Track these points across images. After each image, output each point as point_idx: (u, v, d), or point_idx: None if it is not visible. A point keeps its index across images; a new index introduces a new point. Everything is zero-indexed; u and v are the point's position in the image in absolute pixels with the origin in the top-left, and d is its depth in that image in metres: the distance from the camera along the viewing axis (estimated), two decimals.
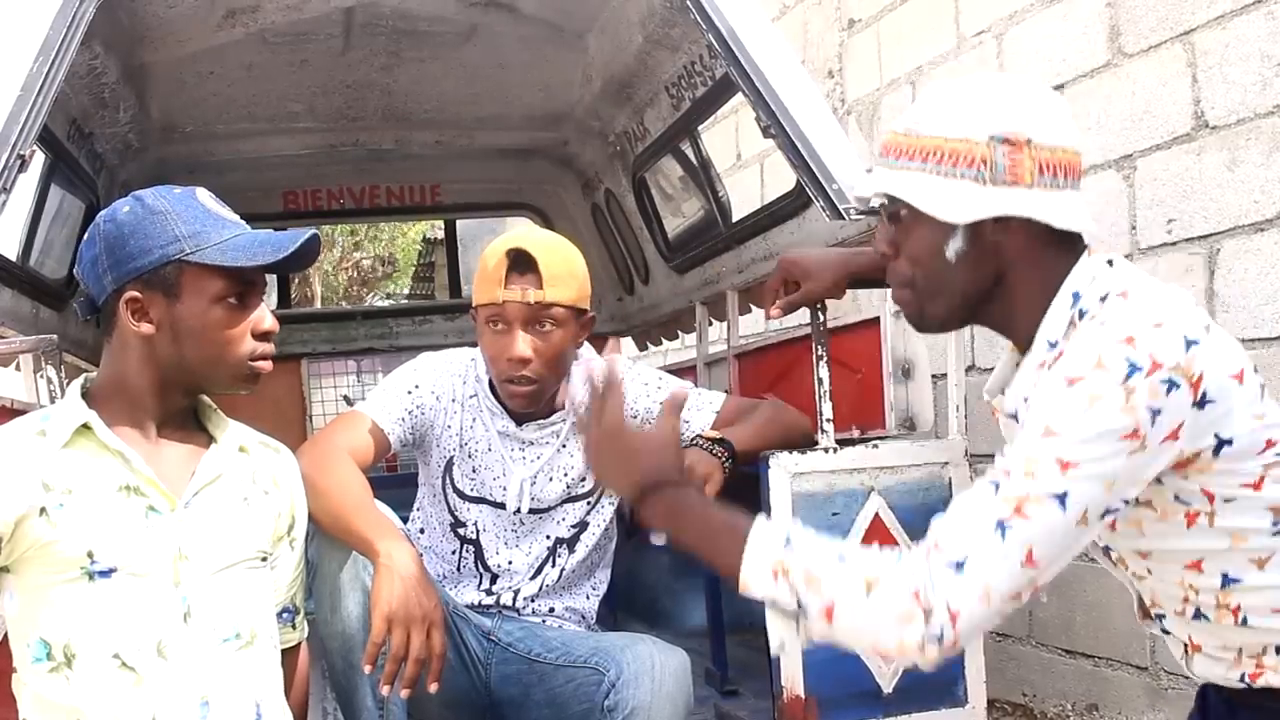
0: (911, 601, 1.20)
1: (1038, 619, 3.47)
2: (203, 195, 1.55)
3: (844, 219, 2.29)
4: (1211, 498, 1.26)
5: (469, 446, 2.16)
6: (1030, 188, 1.29)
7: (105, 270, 1.50)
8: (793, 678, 2.07)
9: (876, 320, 2.37)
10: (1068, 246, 1.34)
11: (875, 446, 2.17)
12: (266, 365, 1.56)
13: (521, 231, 2.17)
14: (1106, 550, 1.44)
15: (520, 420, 2.15)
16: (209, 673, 1.49)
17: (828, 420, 2.15)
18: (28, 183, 2.54)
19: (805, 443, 2.16)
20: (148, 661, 1.45)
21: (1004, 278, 1.35)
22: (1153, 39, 2.99)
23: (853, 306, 2.54)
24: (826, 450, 2.14)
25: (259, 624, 1.57)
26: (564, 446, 2.17)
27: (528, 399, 2.08)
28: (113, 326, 1.53)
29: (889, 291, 2.26)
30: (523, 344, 2.03)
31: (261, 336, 1.54)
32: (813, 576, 1.25)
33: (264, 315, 1.55)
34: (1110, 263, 1.33)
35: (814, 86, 2.58)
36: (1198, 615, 1.34)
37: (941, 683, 2.17)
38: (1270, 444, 1.26)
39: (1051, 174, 1.30)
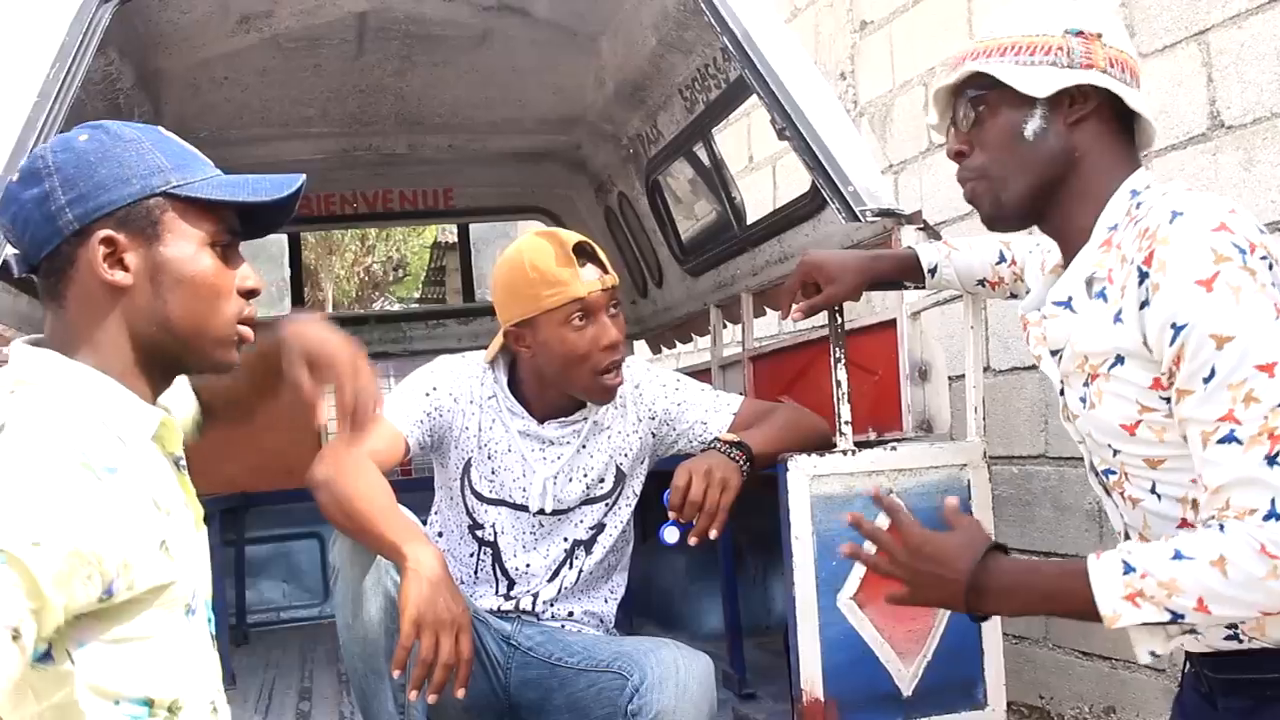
0: (1267, 560, 1.19)
1: (1054, 621, 3.46)
2: (167, 132, 1.30)
3: (859, 221, 2.29)
4: None
5: (488, 448, 2.15)
6: (1104, 73, 1.40)
7: (62, 207, 1.18)
8: (812, 680, 2.06)
9: (893, 322, 2.36)
10: (1129, 148, 1.44)
11: (894, 449, 2.16)
12: (250, 332, 1.31)
13: (548, 230, 2.18)
14: (1107, 472, 1.44)
15: (542, 418, 2.15)
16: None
17: (846, 423, 2.14)
18: None
19: (823, 445, 2.15)
20: (221, 702, 1.30)
21: (1074, 167, 1.43)
22: (1167, 39, 2.97)
23: (867, 309, 2.53)
24: (845, 453, 2.13)
25: None
26: (584, 447, 2.16)
27: (620, 382, 2.11)
28: (67, 284, 1.20)
29: (904, 293, 2.29)
30: (615, 328, 2.08)
31: (247, 294, 1.30)
32: (1167, 584, 1.24)
33: (248, 271, 1.31)
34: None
35: (828, 88, 2.58)
36: None
37: (961, 685, 2.17)
38: None
39: (1120, 69, 1.41)
